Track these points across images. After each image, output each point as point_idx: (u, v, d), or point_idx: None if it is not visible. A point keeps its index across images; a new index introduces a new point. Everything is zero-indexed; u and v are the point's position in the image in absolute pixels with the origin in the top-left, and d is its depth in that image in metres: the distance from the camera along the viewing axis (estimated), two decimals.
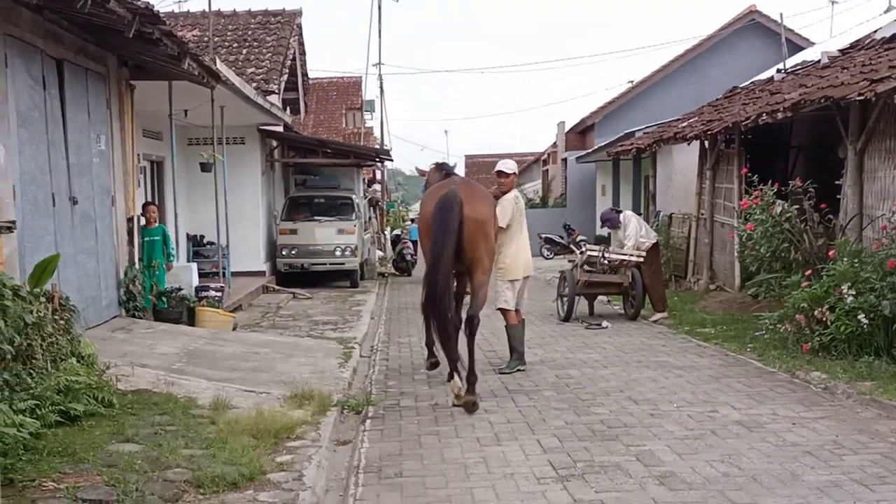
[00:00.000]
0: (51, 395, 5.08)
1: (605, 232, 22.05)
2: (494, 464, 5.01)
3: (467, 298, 6.96)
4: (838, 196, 9.39)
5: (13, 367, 4.98)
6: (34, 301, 5.62)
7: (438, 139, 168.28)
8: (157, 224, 10.49)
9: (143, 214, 10.33)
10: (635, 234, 11.20)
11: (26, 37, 7.09)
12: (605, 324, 10.61)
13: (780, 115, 9.55)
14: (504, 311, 7.78)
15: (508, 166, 7.83)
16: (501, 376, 7.58)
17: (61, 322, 5.91)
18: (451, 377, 6.55)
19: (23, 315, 5.18)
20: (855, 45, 12.79)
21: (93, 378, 5.61)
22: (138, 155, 10.74)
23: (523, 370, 7.79)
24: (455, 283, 6.90)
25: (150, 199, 12.17)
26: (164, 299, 9.81)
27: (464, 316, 6.75)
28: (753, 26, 23.58)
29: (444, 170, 7.88)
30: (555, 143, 32.93)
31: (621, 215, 11.56)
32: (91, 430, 5.06)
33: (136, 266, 9.63)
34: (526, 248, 7.80)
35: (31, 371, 5.24)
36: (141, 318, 9.26)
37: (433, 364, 7.69)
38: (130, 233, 9.63)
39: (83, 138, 8.37)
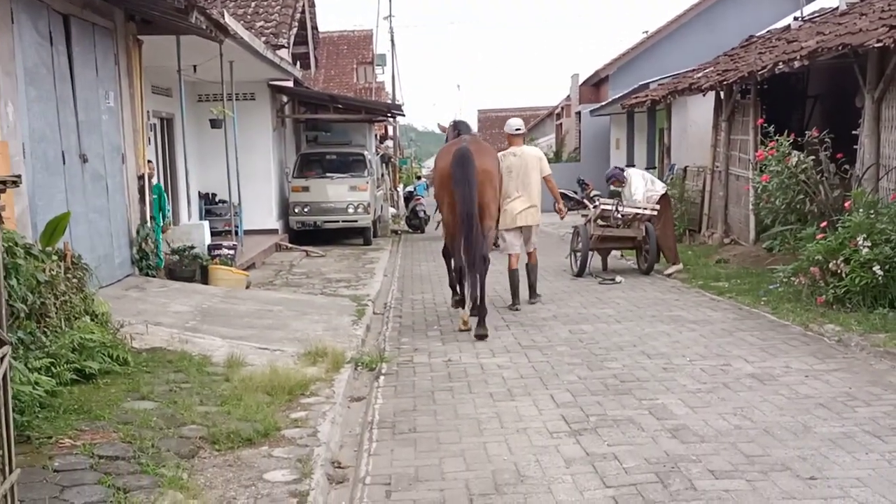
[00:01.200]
0: (65, 354, 5.13)
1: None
2: (507, 419, 5.03)
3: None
4: (855, 146, 9.21)
5: (27, 326, 5.02)
6: (46, 259, 5.64)
7: (451, 94, 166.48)
8: (154, 182, 10.48)
9: None
10: (642, 188, 11.12)
11: None
12: (618, 278, 10.57)
13: (796, 64, 9.34)
14: (509, 255, 8.94)
15: (510, 124, 9.19)
16: (514, 332, 7.61)
17: (74, 280, 5.94)
18: (461, 304, 7.97)
19: (35, 273, 5.21)
20: None
21: (107, 336, 5.66)
22: (148, 112, 10.66)
23: (517, 309, 8.72)
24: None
25: (157, 158, 12.14)
26: (159, 256, 9.74)
27: None
28: None
29: (458, 129, 8.75)
30: (568, 96, 32.45)
31: (625, 172, 11.55)
32: (106, 388, 5.12)
33: (149, 224, 9.64)
34: (523, 199, 8.75)
35: (45, 329, 5.28)
36: (154, 277, 9.31)
37: (458, 302, 8.43)
38: (142, 191, 9.62)
39: (92, 95, 8.31)
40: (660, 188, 11.40)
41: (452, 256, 8.20)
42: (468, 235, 7.37)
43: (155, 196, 10.25)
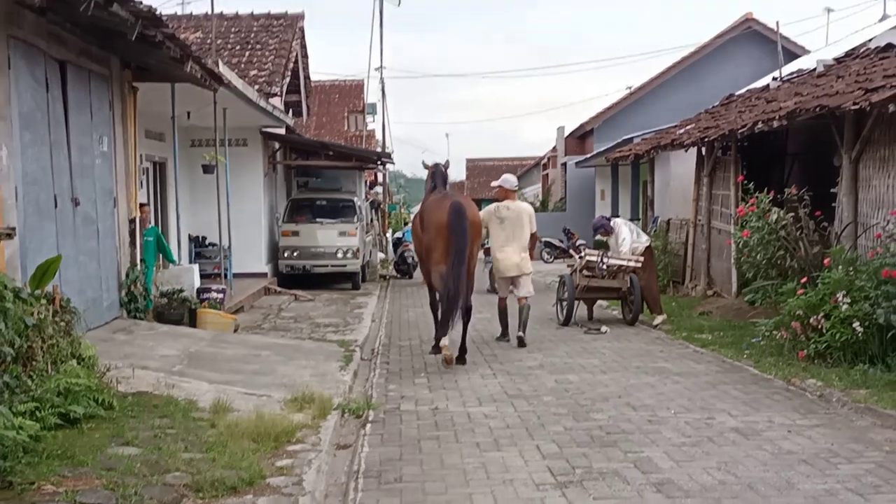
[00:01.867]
0: (51, 398, 5.12)
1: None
2: (494, 469, 5.04)
3: None
4: (833, 204, 9.43)
5: (13, 370, 5.02)
6: (35, 303, 5.66)
7: (440, 142, 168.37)
8: (150, 225, 10.55)
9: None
10: (630, 239, 11.31)
11: (29, 38, 7.13)
12: (603, 328, 10.65)
13: (775, 124, 9.61)
14: (499, 297, 10.11)
15: (500, 180, 9.96)
16: (501, 381, 7.65)
17: (62, 324, 5.96)
18: (437, 349, 8.70)
19: (23, 317, 5.23)
20: (850, 54, 12.85)
21: (93, 380, 5.65)
22: (141, 156, 10.78)
23: (506, 340, 9.86)
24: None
25: (148, 201, 12.23)
26: (148, 299, 9.78)
27: None
28: (750, 34, 23.70)
29: (435, 179, 9.55)
30: (554, 147, 32.99)
31: (612, 222, 11.75)
32: (91, 433, 5.09)
33: (138, 267, 9.66)
34: (514, 250, 9.56)
35: (32, 373, 5.28)
36: (142, 320, 9.30)
37: (435, 348, 8.98)
38: (132, 234, 9.66)
39: (86, 140, 8.41)
40: (644, 240, 11.60)
41: (438, 292, 8.71)
42: (459, 278, 8.27)
43: (151, 239, 10.34)
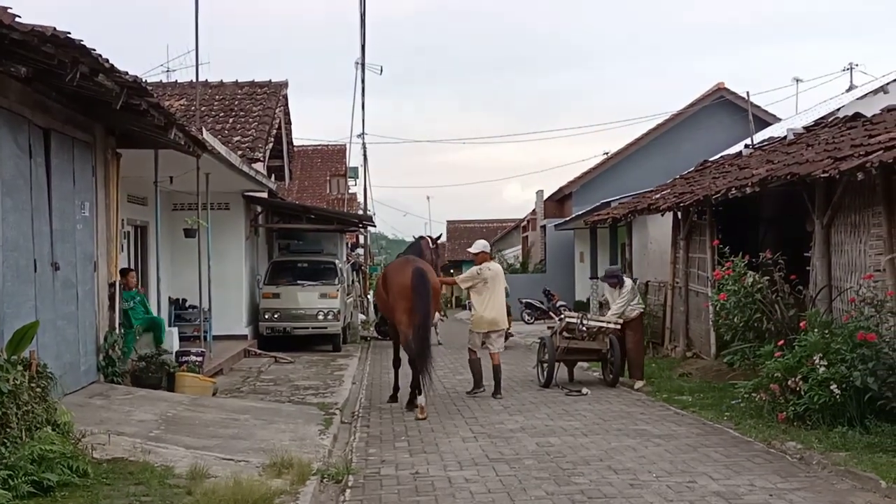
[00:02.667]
0: (24, 465, 5.04)
1: (588, 296, 22.31)
2: None
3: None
4: (808, 268, 9.63)
5: None
6: (11, 369, 5.60)
7: (421, 204, 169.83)
8: (133, 289, 10.57)
9: (122, 280, 10.39)
10: (628, 301, 11.37)
11: (14, 107, 7.24)
12: (584, 390, 10.65)
13: (748, 190, 9.87)
14: (469, 350, 10.70)
15: (476, 246, 10.96)
16: (482, 444, 7.61)
17: (38, 390, 5.89)
18: (411, 405, 9.41)
19: None
20: (819, 123, 13.30)
21: (68, 447, 5.56)
22: (122, 220, 10.82)
23: (479, 393, 10.48)
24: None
25: (130, 264, 12.22)
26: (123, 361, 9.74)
27: None
28: (722, 103, 24.52)
29: (418, 240, 11.07)
30: (534, 210, 33.44)
31: (625, 278, 11.78)
32: (64, 502, 5.01)
33: (117, 331, 9.59)
34: (494, 307, 10.47)
35: (5, 440, 5.20)
36: (120, 384, 9.18)
37: (392, 397, 10.07)
38: (112, 298, 9.63)
39: (67, 205, 8.45)
40: (640, 306, 11.72)
41: (405, 350, 9.55)
42: (423, 337, 9.16)
43: (137, 302, 10.31)
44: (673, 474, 6.38)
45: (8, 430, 5.28)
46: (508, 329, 12.34)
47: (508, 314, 11.49)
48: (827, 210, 9.18)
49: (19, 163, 7.37)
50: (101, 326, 9.25)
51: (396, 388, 10.24)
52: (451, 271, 32.09)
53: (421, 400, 9.09)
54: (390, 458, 7.16)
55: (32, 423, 5.55)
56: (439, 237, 11.67)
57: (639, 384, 11.07)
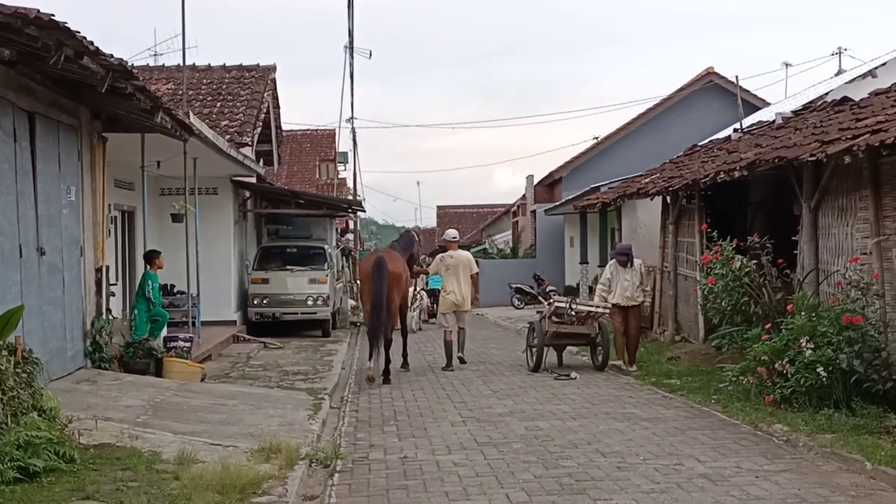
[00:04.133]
0: (10, 451, 5.02)
1: (577, 280, 22.33)
2: None
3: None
4: (795, 251, 9.67)
5: None
6: None
7: (411, 189, 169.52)
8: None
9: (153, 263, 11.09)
10: (638, 282, 11.22)
11: None
12: (573, 374, 10.69)
13: (736, 174, 9.88)
14: (445, 331, 11.78)
15: (447, 234, 12.58)
16: (470, 429, 7.63)
17: (23, 375, 5.85)
18: (371, 372, 10.56)
19: None
20: (807, 107, 13.32)
21: (54, 433, 5.54)
22: (109, 205, 10.73)
23: (451, 370, 11.39)
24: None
25: (117, 250, 12.21)
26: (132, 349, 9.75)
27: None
28: (711, 87, 24.48)
29: (405, 233, 12.81)
30: (524, 195, 33.41)
31: (634, 259, 11.44)
32: (51, 487, 4.98)
33: (104, 317, 9.54)
34: (457, 291, 11.61)
35: None
36: (107, 370, 9.14)
37: (371, 377, 10.62)
38: (99, 283, 9.56)
39: (53, 190, 8.37)
40: (648, 290, 11.63)
41: (370, 330, 10.85)
42: (378, 319, 10.52)
43: (156, 285, 10.84)
44: (660, 457, 6.42)
45: None
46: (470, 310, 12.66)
47: (475, 298, 12.33)
48: (814, 194, 9.21)
49: (4, 147, 7.29)
50: (88, 312, 9.20)
51: (405, 354, 11.73)
52: (424, 258, 32.02)
53: (369, 365, 10.70)
54: (379, 442, 7.17)
55: (18, 408, 5.52)
56: (419, 231, 13.77)
57: (633, 368, 11.07)
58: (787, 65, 47.88)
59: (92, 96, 8.27)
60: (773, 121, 13.51)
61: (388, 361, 10.76)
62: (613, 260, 11.67)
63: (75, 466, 5.37)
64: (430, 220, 55.71)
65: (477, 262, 12.98)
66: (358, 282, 25.79)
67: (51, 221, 8.28)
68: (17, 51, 6.39)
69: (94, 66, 6.68)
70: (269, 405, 8.36)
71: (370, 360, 10.75)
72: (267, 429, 6.98)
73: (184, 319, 12.83)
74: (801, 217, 9.56)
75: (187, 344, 10.58)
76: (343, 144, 34.77)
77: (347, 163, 31.83)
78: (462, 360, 11.75)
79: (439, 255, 12.14)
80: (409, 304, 14.17)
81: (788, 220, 10.21)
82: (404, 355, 11.65)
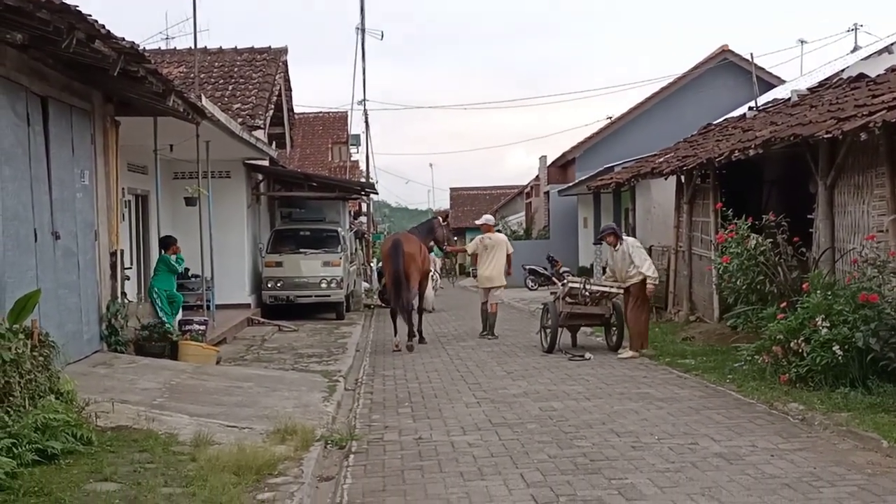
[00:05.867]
0: (28, 434, 5.06)
1: (591, 261, 22.28)
2: (478, 499, 5.02)
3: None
4: (811, 230, 9.57)
5: None
6: (13, 338, 5.61)
7: (424, 172, 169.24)
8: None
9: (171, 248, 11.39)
10: (648, 260, 10.80)
11: (11, 75, 7.15)
12: (587, 355, 10.67)
13: (751, 152, 9.77)
14: (481, 303, 13.43)
15: (482, 219, 14.30)
16: (485, 409, 7.64)
17: (40, 359, 5.89)
18: (397, 340, 12.04)
19: (0, 353, 5.17)
20: (823, 84, 13.14)
21: (71, 415, 5.59)
22: (123, 189, 10.77)
23: (491, 339, 12.89)
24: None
25: (131, 233, 12.29)
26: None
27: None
28: (726, 65, 24.16)
29: (430, 218, 14.54)
30: (537, 176, 33.26)
31: (624, 238, 11.04)
32: (69, 469, 5.03)
33: (119, 300, 9.60)
34: (492, 268, 13.08)
35: (9, 409, 5.21)
36: (123, 353, 9.21)
37: (398, 346, 11.96)
38: (113, 267, 9.62)
39: (67, 174, 8.40)
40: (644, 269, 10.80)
41: (392, 301, 12.25)
42: (398, 292, 11.89)
43: (184, 266, 11.27)
44: (675, 436, 6.41)
45: (11, 398, 5.30)
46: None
47: (509, 272, 13.53)
48: (830, 171, 9.10)
49: (17, 131, 7.31)
50: (103, 295, 9.26)
51: (419, 330, 12.91)
52: (455, 239, 32.08)
53: (395, 339, 11.97)
54: (394, 423, 7.20)
55: (35, 391, 5.56)
56: (447, 215, 15.49)
57: (628, 354, 10.58)
58: (802, 42, 47.29)
59: (104, 80, 8.27)
60: (789, 98, 13.33)
61: (411, 329, 12.13)
62: (606, 245, 11.36)
63: (93, 449, 5.41)
64: (443, 203, 55.62)
65: None
66: (370, 264, 26.13)
67: (65, 206, 8.31)
68: (30, 35, 6.39)
69: (105, 49, 6.67)
70: (284, 387, 8.41)
71: (395, 334, 12.08)
72: (282, 411, 7.03)
73: (198, 303, 12.91)
74: (816, 195, 9.45)
75: (202, 327, 10.64)
76: (355, 127, 34.65)
77: (360, 145, 31.77)
78: (491, 336, 13.01)
79: (479, 237, 13.51)
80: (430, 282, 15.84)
81: (804, 199, 10.10)
82: (419, 331, 12.68)
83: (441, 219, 14.72)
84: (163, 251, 11.24)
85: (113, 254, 9.62)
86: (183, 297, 11.57)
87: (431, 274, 18.47)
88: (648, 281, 10.66)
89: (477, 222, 14.33)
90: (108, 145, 9.54)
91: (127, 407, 6.60)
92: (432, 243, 13.91)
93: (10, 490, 4.46)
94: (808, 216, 9.63)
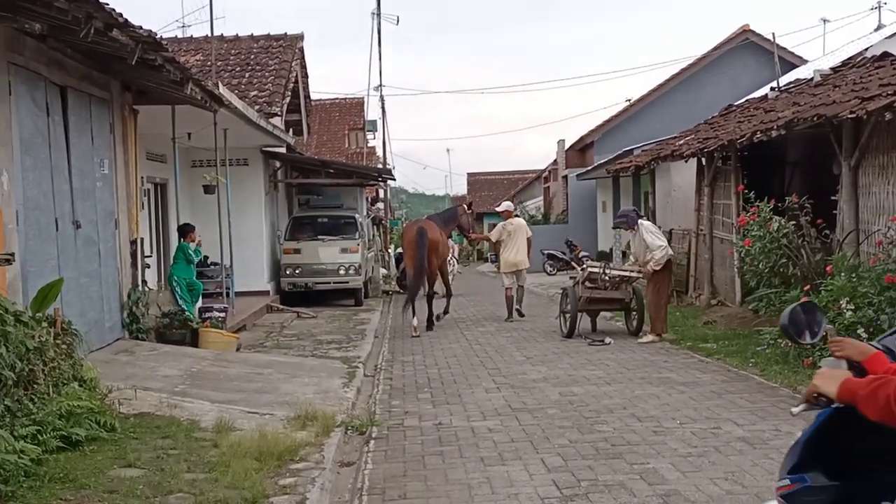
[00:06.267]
0: (52, 421, 5.10)
1: (611, 245, 22.16)
2: (498, 484, 5.01)
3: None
4: (834, 211, 9.42)
5: (14, 393, 5.00)
6: (36, 326, 5.66)
7: (441, 157, 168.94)
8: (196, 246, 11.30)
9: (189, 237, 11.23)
10: (663, 242, 10.68)
11: (30, 65, 7.18)
12: (607, 340, 10.61)
13: (773, 133, 9.62)
14: (505, 288, 13.68)
15: (502, 206, 14.86)
16: (505, 395, 7.62)
17: (63, 346, 5.95)
18: (414, 318, 12.19)
19: (24, 340, 5.22)
20: (846, 64, 12.87)
21: (95, 402, 5.63)
22: (142, 177, 10.83)
23: (512, 321, 13.20)
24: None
25: (150, 222, 12.35)
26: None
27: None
28: (747, 45, 23.75)
29: (454, 206, 15.38)
30: (555, 160, 33.06)
31: (640, 221, 10.91)
32: (93, 455, 5.07)
33: (140, 288, 9.68)
34: (516, 253, 13.51)
35: (33, 396, 5.26)
36: (144, 341, 9.29)
37: (416, 327, 12.18)
38: (134, 255, 9.68)
39: (86, 163, 8.45)
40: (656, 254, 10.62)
41: (411, 288, 12.53)
42: (420, 276, 12.29)
43: (202, 256, 11.31)
44: (697, 421, 6.36)
45: (35, 386, 5.35)
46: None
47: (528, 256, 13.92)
48: (854, 152, 8.93)
49: (37, 121, 7.35)
50: (124, 283, 9.33)
51: (447, 311, 13.55)
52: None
53: (413, 321, 12.15)
54: (413, 409, 7.21)
55: (59, 379, 5.61)
56: (471, 203, 15.68)
57: (647, 338, 10.51)
58: (824, 21, 46.24)
59: (122, 69, 8.29)
60: (811, 78, 13.09)
61: (430, 313, 12.70)
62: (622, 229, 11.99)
63: (116, 435, 5.46)
64: (460, 188, 55.52)
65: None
66: (388, 250, 26.19)
67: (85, 195, 8.37)
68: (48, 24, 6.39)
69: (123, 38, 6.67)
70: (303, 374, 8.44)
71: (413, 317, 12.20)
72: (302, 397, 7.06)
73: (218, 290, 12.99)
74: (840, 176, 9.29)
75: (222, 314, 10.70)
76: (372, 113, 34.69)
77: (376, 131, 31.74)
78: (520, 313, 13.42)
79: (501, 223, 13.92)
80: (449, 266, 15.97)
81: (827, 180, 9.94)
82: (446, 311, 13.42)
83: (465, 206, 14.78)
84: (181, 239, 11.30)
85: (133, 242, 9.69)
86: (202, 284, 11.64)
87: (449, 259, 18.51)
88: (654, 258, 10.42)
89: (497, 209, 14.98)
90: (126, 134, 9.58)
91: (149, 394, 6.66)
92: (454, 230, 14.36)
93: (35, 476, 4.50)
94: (832, 198, 9.47)
